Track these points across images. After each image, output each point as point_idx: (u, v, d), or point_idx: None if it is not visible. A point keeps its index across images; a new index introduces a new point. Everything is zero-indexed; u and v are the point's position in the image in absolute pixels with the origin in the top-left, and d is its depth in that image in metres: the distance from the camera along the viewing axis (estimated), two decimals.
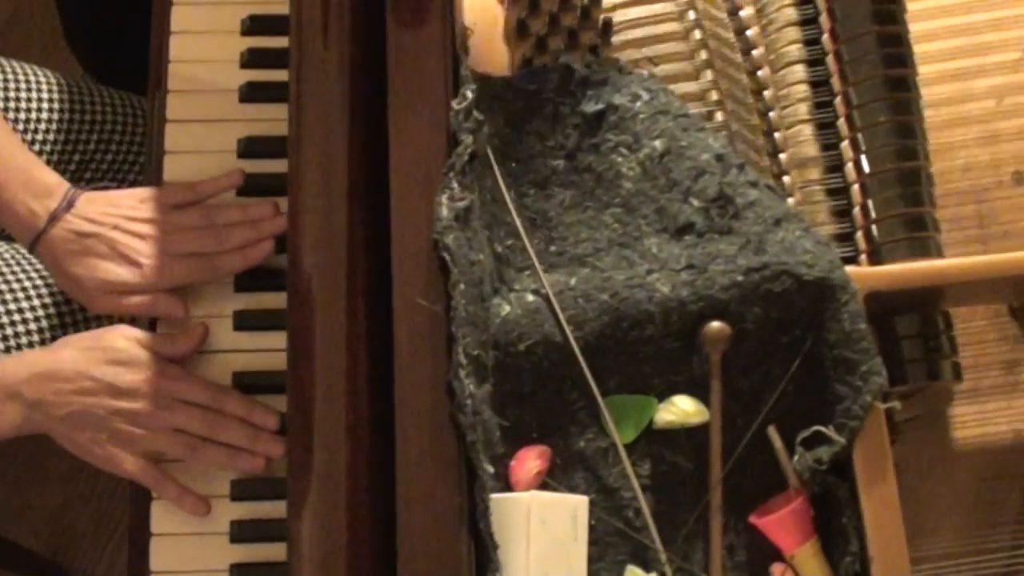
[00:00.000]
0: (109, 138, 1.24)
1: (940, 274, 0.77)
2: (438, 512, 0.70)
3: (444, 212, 0.72)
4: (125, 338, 0.92)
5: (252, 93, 1.00)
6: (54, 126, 1.18)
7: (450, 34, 0.79)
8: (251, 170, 0.98)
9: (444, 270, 0.72)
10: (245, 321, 0.96)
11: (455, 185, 0.73)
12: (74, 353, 0.91)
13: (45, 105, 1.19)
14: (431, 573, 0.69)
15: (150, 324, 0.97)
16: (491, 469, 0.71)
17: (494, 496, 0.71)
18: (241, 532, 0.91)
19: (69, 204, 0.94)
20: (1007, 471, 0.83)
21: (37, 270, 1.13)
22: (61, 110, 1.19)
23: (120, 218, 0.94)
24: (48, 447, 1.54)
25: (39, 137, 1.16)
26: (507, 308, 0.75)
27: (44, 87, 1.19)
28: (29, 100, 1.18)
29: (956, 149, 0.89)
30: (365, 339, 0.75)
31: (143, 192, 0.97)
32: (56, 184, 0.95)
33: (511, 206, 0.78)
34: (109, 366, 0.90)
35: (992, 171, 0.89)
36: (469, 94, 0.76)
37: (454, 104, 0.76)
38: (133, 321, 1.00)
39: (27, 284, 1.11)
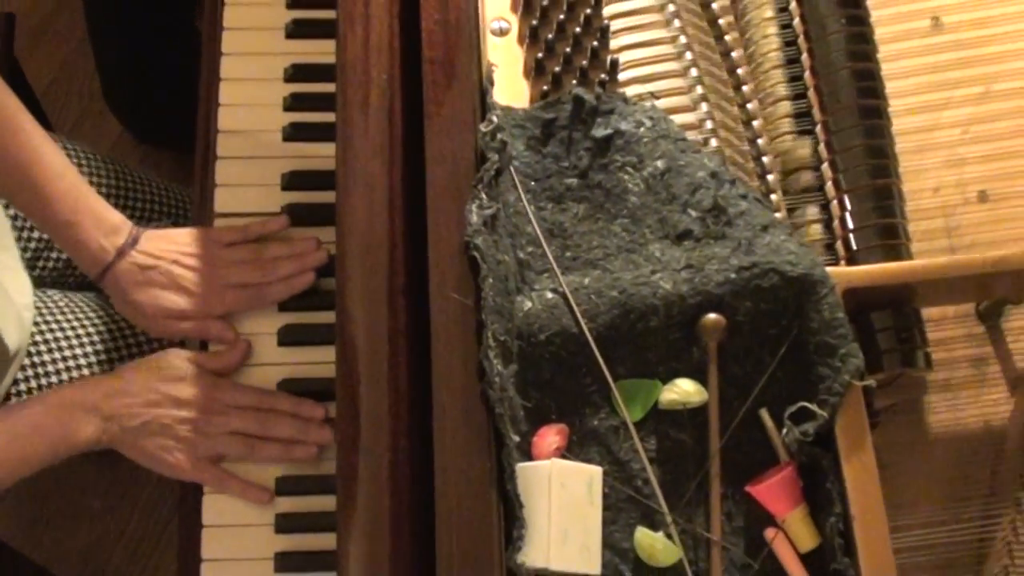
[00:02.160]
0: (157, 219, 1.39)
1: (908, 272, 0.91)
2: (471, 476, 0.83)
3: (474, 218, 0.87)
4: (180, 358, 1.07)
5: (295, 133, 1.15)
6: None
7: (477, 69, 0.95)
8: (294, 200, 1.13)
9: (474, 267, 0.86)
10: (288, 337, 1.10)
11: (483, 196, 0.88)
12: (138, 373, 1.05)
13: (94, 180, 1.33)
14: (465, 529, 0.82)
15: (200, 345, 1.12)
16: (516, 438, 0.84)
17: (520, 465, 0.84)
18: (285, 524, 1.04)
19: (134, 241, 1.09)
20: (978, 453, 0.96)
21: (85, 314, 1.27)
22: (109, 185, 1.34)
23: (178, 253, 1.09)
24: (83, 486, 1.67)
25: None
26: (529, 304, 0.89)
27: (97, 169, 1.34)
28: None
29: (927, 172, 1.03)
30: (405, 330, 0.88)
31: (199, 231, 1.11)
32: (122, 223, 1.10)
33: (532, 218, 0.93)
34: (170, 382, 1.04)
35: (959, 191, 1.03)
36: (495, 119, 0.91)
37: (482, 127, 0.91)
38: (183, 344, 1.14)
39: (77, 326, 1.25)
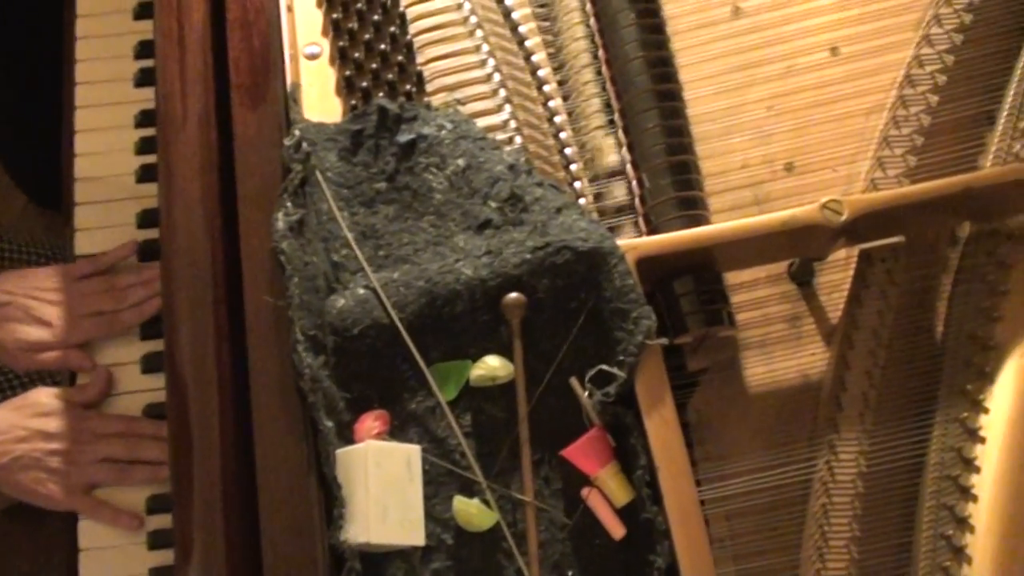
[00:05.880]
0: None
1: (693, 239, 1.01)
2: (289, 463, 0.93)
3: (280, 225, 0.98)
4: (46, 395, 1.18)
5: (146, 174, 1.26)
6: None
7: (283, 91, 1.06)
8: (149, 236, 1.24)
9: (282, 269, 0.97)
10: (150, 364, 1.20)
11: (289, 204, 0.99)
12: (6, 412, 1.16)
13: None
14: (287, 511, 0.92)
15: (70, 380, 1.22)
16: (330, 424, 0.94)
17: (339, 451, 0.94)
18: (158, 540, 1.14)
19: None
20: (799, 405, 1.05)
21: None
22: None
23: (33, 288, 1.21)
24: (10, 548, 1.76)
25: None
26: (341, 301, 0.99)
27: None
28: None
29: (734, 152, 1.14)
30: (228, 336, 0.99)
31: (53, 267, 1.23)
32: None
33: (342, 223, 1.03)
34: (36, 418, 1.15)
35: (767, 165, 1.13)
36: (297, 132, 1.02)
37: (286, 141, 1.02)
38: (54, 383, 1.25)
39: None
